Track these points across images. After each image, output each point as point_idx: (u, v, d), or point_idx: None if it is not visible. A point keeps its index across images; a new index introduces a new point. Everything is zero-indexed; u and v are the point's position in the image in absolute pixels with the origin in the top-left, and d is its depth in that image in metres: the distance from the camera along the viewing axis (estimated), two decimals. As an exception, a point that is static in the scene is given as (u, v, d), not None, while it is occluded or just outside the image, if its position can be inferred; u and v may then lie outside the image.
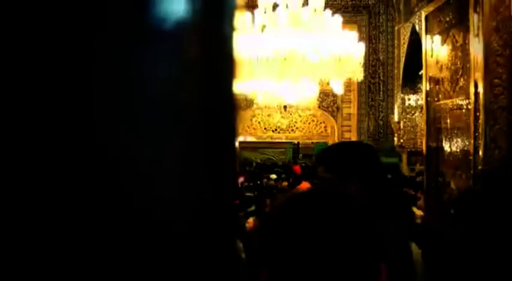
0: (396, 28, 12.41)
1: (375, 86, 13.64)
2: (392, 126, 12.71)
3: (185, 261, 0.40)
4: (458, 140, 5.13)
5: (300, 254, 0.81)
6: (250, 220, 5.14)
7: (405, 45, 11.45)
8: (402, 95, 11.99)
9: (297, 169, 10.77)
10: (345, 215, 0.84)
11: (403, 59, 11.65)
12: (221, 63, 0.45)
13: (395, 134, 12.36)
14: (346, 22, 10.90)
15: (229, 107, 0.45)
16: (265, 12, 8.22)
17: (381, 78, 13.59)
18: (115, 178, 0.38)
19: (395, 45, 12.53)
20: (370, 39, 13.44)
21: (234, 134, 0.45)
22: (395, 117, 12.26)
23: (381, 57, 13.50)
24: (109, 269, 0.37)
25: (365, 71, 12.22)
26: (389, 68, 13.36)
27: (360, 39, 9.85)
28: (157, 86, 0.40)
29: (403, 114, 12.00)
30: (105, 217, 0.37)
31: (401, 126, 11.99)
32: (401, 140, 12.01)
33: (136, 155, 0.39)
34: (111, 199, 0.37)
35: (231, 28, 0.46)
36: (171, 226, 0.40)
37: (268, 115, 14.60)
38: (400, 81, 11.92)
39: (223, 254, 0.43)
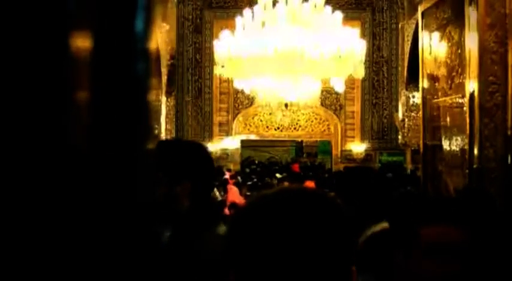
0: (400, 25, 12.34)
1: (379, 84, 13.56)
2: (397, 124, 12.64)
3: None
4: (455, 138, 5.10)
5: (270, 254, 0.78)
6: None
7: (409, 42, 11.37)
8: (407, 93, 11.89)
9: (296, 167, 10.73)
10: (319, 215, 0.81)
11: (407, 56, 11.57)
12: (125, 60, 0.43)
13: (400, 132, 12.29)
14: (349, 19, 10.86)
15: (130, 104, 0.44)
16: (264, 8, 8.19)
17: (385, 75, 13.52)
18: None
19: (399, 42, 12.46)
20: (374, 36, 13.36)
21: (139, 130, 0.44)
22: (400, 115, 12.18)
23: (385, 55, 13.42)
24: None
25: (368, 68, 12.16)
26: (393, 66, 13.29)
27: (363, 36, 9.79)
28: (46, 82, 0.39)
29: (408, 112, 11.92)
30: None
31: (406, 125, 11.91)
32: (406, 139, 11.95)
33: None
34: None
35: (144, 25, 0.44)
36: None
37: (270, 114, 14.50)
38: (405, 79, 11.85)
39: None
